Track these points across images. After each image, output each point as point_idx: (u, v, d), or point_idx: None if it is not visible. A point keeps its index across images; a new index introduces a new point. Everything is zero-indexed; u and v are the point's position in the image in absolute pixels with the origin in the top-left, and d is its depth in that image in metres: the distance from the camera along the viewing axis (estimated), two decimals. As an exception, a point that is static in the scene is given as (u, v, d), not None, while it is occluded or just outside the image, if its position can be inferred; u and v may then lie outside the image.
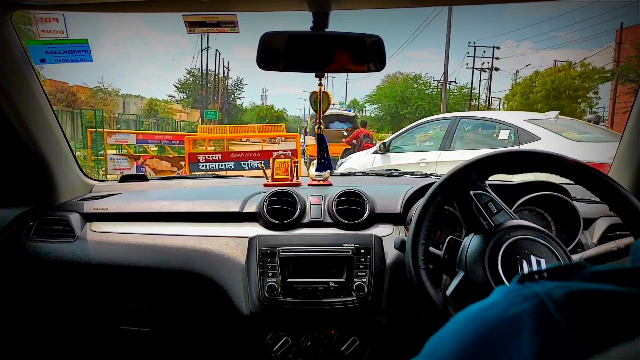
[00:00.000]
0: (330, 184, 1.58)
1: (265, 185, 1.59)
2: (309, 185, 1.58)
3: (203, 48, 30.66)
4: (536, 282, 0.32)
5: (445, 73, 20.77)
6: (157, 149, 10.11)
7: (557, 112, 4.29)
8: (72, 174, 1.54)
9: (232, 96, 43.91)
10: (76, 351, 1.53)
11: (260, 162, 6.93)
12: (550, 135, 3.81)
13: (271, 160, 1.63)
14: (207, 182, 1.81)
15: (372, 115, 34.55)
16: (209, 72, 32.90)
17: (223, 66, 38.46)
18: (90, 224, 1.37)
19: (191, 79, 36.47)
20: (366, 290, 1.17)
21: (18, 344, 1.45)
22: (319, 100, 1.51)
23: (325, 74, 1.37)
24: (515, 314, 0.30)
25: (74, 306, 1.44)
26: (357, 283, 1.17)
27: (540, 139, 3.82)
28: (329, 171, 1.62)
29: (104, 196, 1.51)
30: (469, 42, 34.46)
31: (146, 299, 1.38)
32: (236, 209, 1.35)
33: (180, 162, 7.38)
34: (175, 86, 38.80)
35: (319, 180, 1.59)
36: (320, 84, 1.46)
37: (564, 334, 0.27)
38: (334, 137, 10.24)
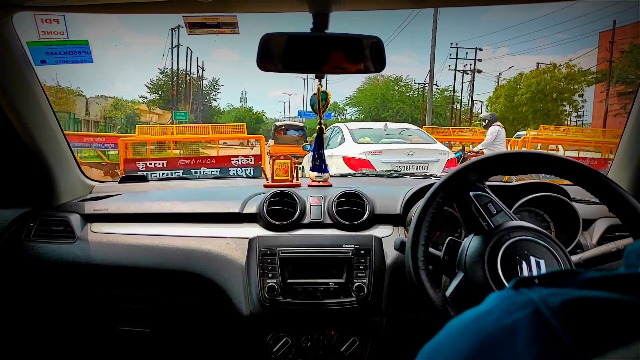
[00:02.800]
0: (330, 185, 1.58)
1: (265, 186, 1.59)
2: (309, 186, 1.58)
3: (173, 46, 28.08)
4: (531, 288, 0.32)
5: (431, 71, 20.03)
6: (93, 153, 9.07)
7: (386, 123, 6.30)
8: (73, 174, 1.54)
9: (208, 97, 41.82)
10: (76, 352, 1.53)
11: (215, 170, 6.05)
12: (349, 139, 5.54)
13: (271, 161, 1.63)
14: (207, 183, 1.82)
15: (353, 118, 33.27)
16: (181, 72, 30.48)
17: (197, 66, 36.37)
18: (91, 224, 1.38)
19: (164, 78, 33.25)
20: (366, 290, 1.17)
21: (18, 344, 1.45)
22: (318, 100, 1.51)
23: (322, 75, 1.37)
24: (512, 321, 0.30)
25: (74, 307, 1.44)
26: (356, 284, 1.17)
27: (345, 141, 5.58)
28: (328, 172, 1.62)
29: (104, 197, 1.52)
30: (452, 44, 33.11)
31: (146, 300, 1.38)
32: (236, 209, 1.35)
33: (116, 170, 6.55)
34: (147, 86, 35.74)
35: (318, 181, 1.59)
36: (320, 85, 1.46)
37: (561, 341, 0.27)
38: (290, 141, 13.24)
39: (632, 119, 1.36)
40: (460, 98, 33.58)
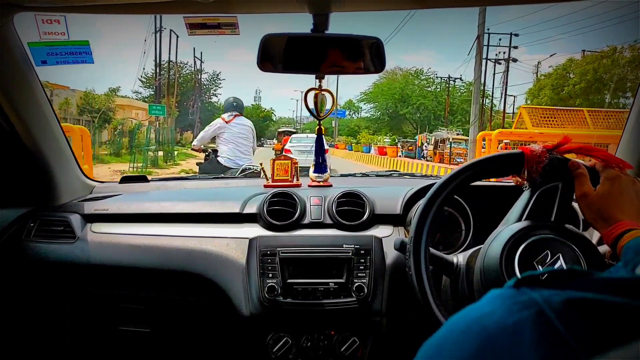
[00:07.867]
0: (331, 185, 1.58)
1: (265, 186, 1.59)
2: (309, 186, 1.59)
3: (157, 29, 23.59)
4: (532, 288, 0.32)
5: (479, 37, 15.44)
6: None
7: (307, 134, 13.12)
8: (73, 174, 1.54)
9: (207, 92, 39.09)
10: (76, 352, 1.53)
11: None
12: (289, 141, 12.16)
13: (271, 161, 1.63)
14: (207, 183, 1.82)
15: (368, 115, 31.06)
16: (171, 61, 27.22)
17: (195, 57, 33.02)
18: (91, 224, 1.38)
19: (161, 72, 28.76)
20: (366, 291, 1.17)
21: (18, 345, 1.45)
22: (319, 101, 1.52)
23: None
24: (515, 322, 0.30)
25: (74, 307, 1.44)
26: (357, 284, 1.17)
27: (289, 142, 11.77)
28: (328, 172, 1.63)
29: (105, 197, 1.52)
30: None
31: (146, 300, 1.38)
32: (236, 210, 1.35)
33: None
34: (141, 80, 33.00)
35: (319, 182, 1.60)
36: (320, 85, 1.46)
37: (566, 342, 0.27)
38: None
39: (632, 118, 1.35)
40: (491, 92, 29.19)
